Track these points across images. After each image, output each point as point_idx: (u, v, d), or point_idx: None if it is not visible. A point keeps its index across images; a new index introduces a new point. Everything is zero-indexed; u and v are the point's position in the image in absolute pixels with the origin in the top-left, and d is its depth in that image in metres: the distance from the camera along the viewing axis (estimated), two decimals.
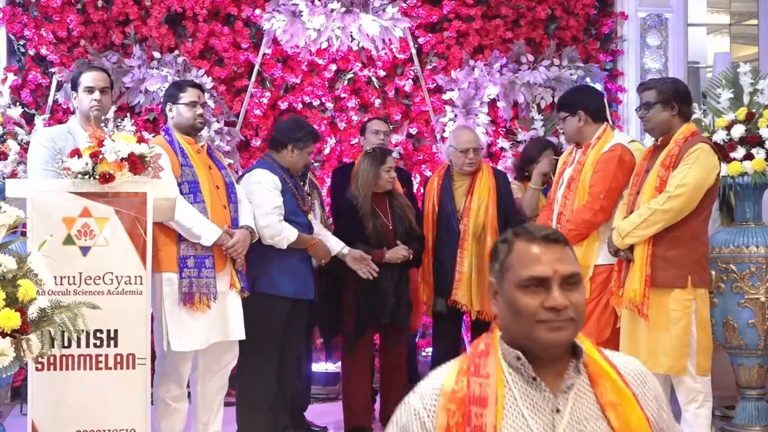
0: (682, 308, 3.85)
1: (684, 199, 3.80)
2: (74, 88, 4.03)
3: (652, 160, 3.98)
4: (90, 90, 3.97)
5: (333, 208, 5.15)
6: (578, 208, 4.24)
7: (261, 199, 4.24)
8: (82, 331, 3.00)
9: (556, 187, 4.45)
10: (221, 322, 3.99)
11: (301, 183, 4.57)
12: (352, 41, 6.06)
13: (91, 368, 3.36)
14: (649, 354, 3.87)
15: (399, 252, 4.63)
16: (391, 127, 6.12)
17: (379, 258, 4.59)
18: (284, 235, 4.25)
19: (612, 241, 3.97)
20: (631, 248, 3.90)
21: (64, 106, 5.81)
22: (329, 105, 6.11)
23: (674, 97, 3.93)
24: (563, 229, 4.26)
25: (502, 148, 6.11)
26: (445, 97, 6.14)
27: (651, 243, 3.87)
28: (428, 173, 5.85)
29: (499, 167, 5.89)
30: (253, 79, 6.00)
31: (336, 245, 4.54)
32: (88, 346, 3.34)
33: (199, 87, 4.26)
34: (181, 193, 3.90)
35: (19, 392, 5.32)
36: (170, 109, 4.10)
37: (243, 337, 4.05)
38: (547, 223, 4.41)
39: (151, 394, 3.55)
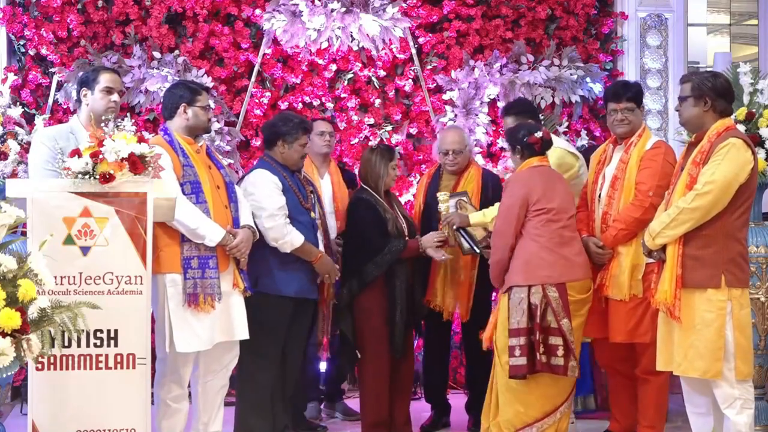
0: (716, 309, 3.70)
1: (712, 197, 3.67)
2: (86, 85, 3.97)
3: (685, 158, 3.90)
4: (109, 91, 3.96)
5: None
6: (626, 206, 4.23)
7: (263, 202, 4.23)
8: (82, 331, 3.00)
9: (594, 187, 4.43)
10: (225, 322, 3.98)
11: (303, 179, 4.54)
12: (352, 41, 6.06)
13: (91, 368, 3.36)
14: (683, 357, 3.75)
15: (434, 237, 4.54)
16: (390, 126, 6.13)
17: (414, 248, 4.52)
18: (288, 239, 4.23)
19: (644, 243, 3.92)
20: (664, 248, 3.82)
21: (65, 106, 5.81)
22: (329, 105, 6.11)
23: (709, 92, 3.81)
24: (613, 230, 4.26)
25: (502, 148, 6.10)
26: (445, 97, 6.14)
27: (681, 242, 3.75)
28: None
29: (499, 167, 5.90)
30: (253, 79, 6.01)
31: None
32: (88, 346, 3.35)
33: (208, 91, 4.28)
34: (184, 193, 3.89)
35: (19, 392, 5.33)
36: (185, 111, 4.06)
37: (247, 336, 4.05)
38: (589, 225, 4.40)
39: (152, 394, 3.55)
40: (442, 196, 4.66)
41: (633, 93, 4.41)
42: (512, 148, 4.37)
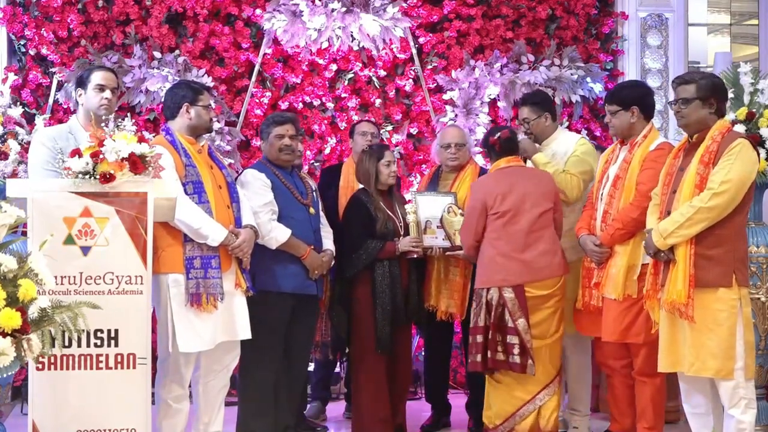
0: (729, 308, 3.71)
1: (729, 196, 3.69)
2: (81, 85, 4.01)
3: (686, 158, 3.88)
4: (101, 88, 3.97)
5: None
6: (625, 206, 4.21)
7: (249, 199, 4.25)
8: (83, 330, 3.00)
9: (599, 186, 4.41)
10: (227, 321, 3.98)
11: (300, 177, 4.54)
12: (352, 41, 6.07)
13: (91, 368, 3.36)
14: (696, 358, 3.73)
15: (409, 241, 4.56)
16: (391, 126, 6.13)
17: (392, 250, 4.53)
18: (273, 235, 4.25)
19: (651, 243, 3.86)
20: (671, 249, 3.81)
21: (65, 106, 5.82)
22: (330, 105, 6.12)
23: (713, 94, 3.84)
24: (610, 228, 4.24)
25: None
26: (446, 96, 6.15)
27: (693, 242, 3.74)
28: None
29: None
30: (253, 79, 6.01)
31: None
32: (88, 345, 3.34)
33: (210, 91, 4.31)
34: (186, 193, 3.89)
35: (19, 392, 5.33)
36: (188, 110, 4.06)
37: (249, 336, 4.04)
38: (590, 223, 4.39)
39: (153, 394, 3.54)
40: (410, 207, 4.71)
41: (612, 98, 4.40)
42: (484, 152, 4.61)
